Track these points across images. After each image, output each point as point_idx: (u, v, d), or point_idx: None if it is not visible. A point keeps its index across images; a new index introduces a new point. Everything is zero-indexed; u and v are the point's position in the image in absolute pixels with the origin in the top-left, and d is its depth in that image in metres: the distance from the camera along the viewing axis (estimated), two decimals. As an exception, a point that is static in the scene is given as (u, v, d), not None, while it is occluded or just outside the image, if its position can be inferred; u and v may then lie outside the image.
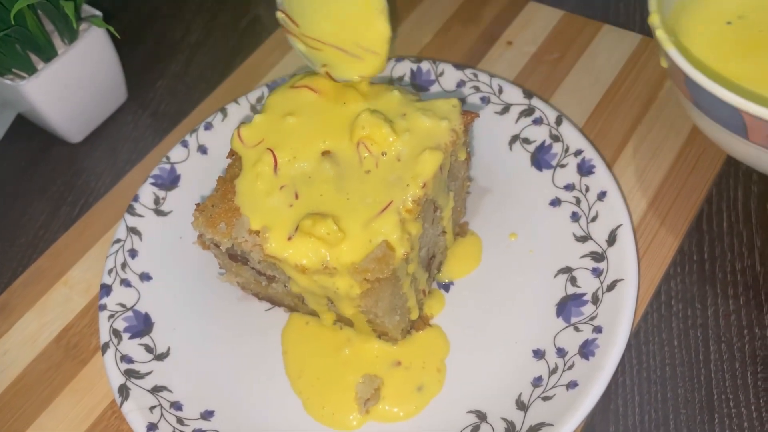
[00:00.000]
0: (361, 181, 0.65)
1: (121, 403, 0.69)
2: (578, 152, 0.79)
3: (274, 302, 0.77)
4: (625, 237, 0.72)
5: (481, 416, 0.67)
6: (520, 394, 0.68)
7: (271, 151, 0.67)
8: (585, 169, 0.78)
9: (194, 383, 0.72)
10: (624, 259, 0.71)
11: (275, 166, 0.67)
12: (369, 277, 0.61)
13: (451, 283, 0.77)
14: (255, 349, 0.75)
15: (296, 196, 0.65)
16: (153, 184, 0.84)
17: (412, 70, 0.90)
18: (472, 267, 0.78)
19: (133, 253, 0.80)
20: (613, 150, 0.84)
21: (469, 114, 0.69)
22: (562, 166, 0.80)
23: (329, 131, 0.69)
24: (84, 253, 0.86)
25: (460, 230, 0.79)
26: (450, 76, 0.89)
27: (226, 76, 1.03)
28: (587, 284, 0.72)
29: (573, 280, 0.73)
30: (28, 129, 1.03)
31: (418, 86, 0.90)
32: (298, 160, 0.67)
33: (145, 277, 0.79)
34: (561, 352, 0.69)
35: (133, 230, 0.81)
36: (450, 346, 0.73)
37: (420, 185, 0.64)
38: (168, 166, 0.86)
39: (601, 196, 0.76)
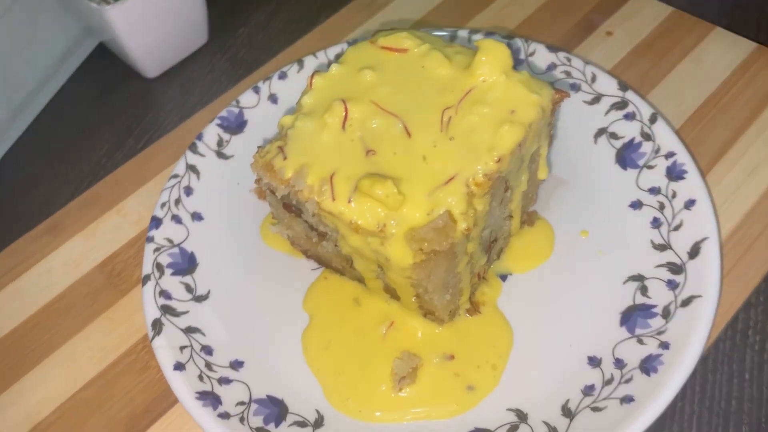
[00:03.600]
0: (434, 147, 0.61)
1: (153, 338, 0.67)
2: (670, 154, 0.73)
3: (322, 262, 0.74)
4: (710, 252, 0.66)
5: (522, 416, 0.63)
6: (567, 401, 0.62)
7: (344, 102, 0.64)
8: (675, 174, 0.72)
9: (229, 331, 0.70)
10: (705, 276, 0.64)
11: (344, 120, 0.63)
12: (425, 248, 0.57)
13: (509, 273, 0.72)
14: (295, 308, 0.72)
15: (366, 153, 0.61)
16: (219, 125, 0.82)
17: (502, 46, 0.84)
18: (536, 261, 0.72)
19: (188, 191, 0.78)
20: (708, 159, 0.78)
21: (560, 93, 0.64)
22: (650, 167, 0.74)
23: (408, 92, 0.64)
24: (142, 185, 0.85)
25: (528, 218, 0.74)
26: (541, 57, 0.83)
27: (309, 32, 1.00)
28: (660, 296, 0.66)
29: (644, 290, 0.67)
30: (107, 60, 1.03)
31: (507, 64, 0.84)
32: (369, 118, 0.63)
33: (196, 216, 0.77)
34: (619, 363, 0.63)
35: (192, 168, 0.79)
36: (514, 340, 0.68)
37: (495, 159, 0.60)
38: (236, 110, 0.83)
39: (689, 204, 0.69)
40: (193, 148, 0.80)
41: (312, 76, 0.67)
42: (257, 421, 0.63)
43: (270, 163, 0.63)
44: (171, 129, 0.92)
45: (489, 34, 0.86)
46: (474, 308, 0.69)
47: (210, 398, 0.63)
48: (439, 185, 0.59)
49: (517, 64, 0.84)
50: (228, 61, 1.04)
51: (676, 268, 0.67)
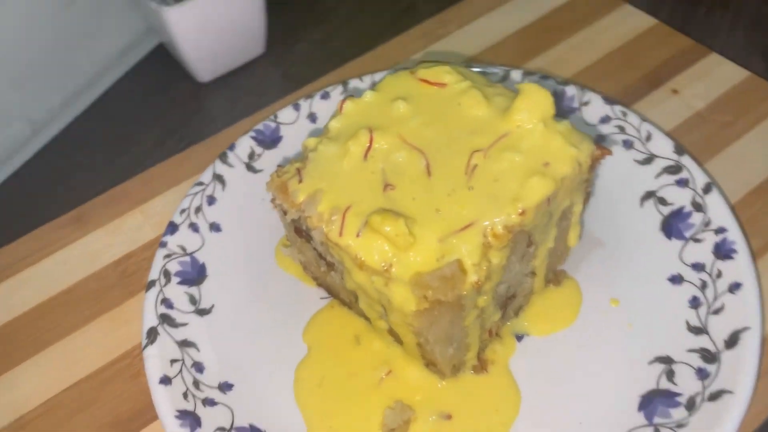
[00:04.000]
0: (455, 190, 0.57)
1: (145, 346, 0.65)
2: (720, 230, 0.67)
3: (331, 292, 0.71)
4: (750, 344, 0.59)
5: (514, 493, 0.57)
6: (565, 484, 0.57)
7: (370, 132, 0.61)
8: (723, 252, 0.66)
9: (224, 350, 0.67)
10: (741, 370, 0.58)
11: (368, 150, 0.60)
12: (429, 296, 0.53)
13: (526, 334, 0.67)
14: (296, 336, 0.69)
15: (384, 187, 0.58)
16: (253, 138, 0.81)
17: (555, 92, 0.80)
18: (558, 325, 0.67)
19: (211, 200, 0.76)
20: (764, 242, 0.71)
21: (601, 149, 0.59)
22: (697, 240, 0.68)
23: (439, 128, 0.61)
24: (170, 187, 0.84)
25: (555, 278, 0.69)
26: (595, 108, 0.78)
27: (363, 54, 0.98)
28: (687, 384, 0.60)
29: (670, 374, 0.61)
30: (165, 60, 1.04)
31: (558, 110, 0.80)
32: (394, 150, 0.60)
33: (215, 227, 0.75)
34: (630, 453, 0.57)
35: (218, 178, 0.77)
36: (520, 407, 0.63)
37: (518, 211, 0.55)
38: (273, 125, 0.82)
39: (734, 288, 0.63)
40: (223, 157, 0.79)
41: (343, 100, 0.64)
42: (233, 452, 0.60)
43: (285, 184, 0.60)
44: (212, 134, 0.91)
45: (543, 77, 0.82)
46: (481, 366, 0.64)
47: (190, 419, 0.60)
48: (453, 231, 0.55)
49: (570, 112, 0.80)
50: (281, 75, 1.04)
51: (709, 356, 0.60)
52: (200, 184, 0.76)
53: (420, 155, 0.60)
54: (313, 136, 0.64)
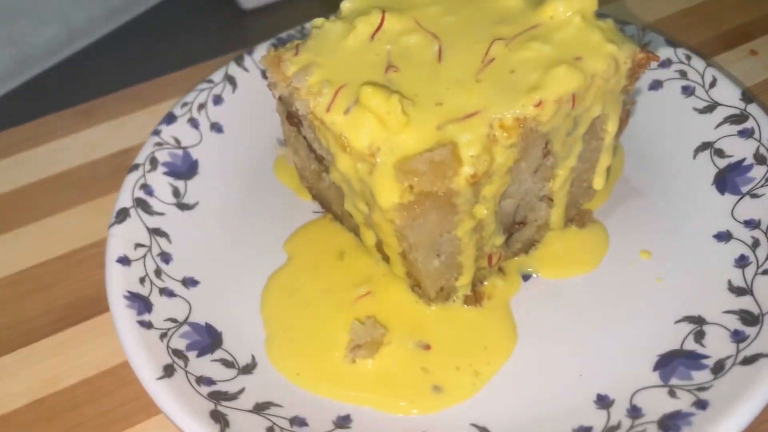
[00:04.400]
0: (465, 77, 0.49)
1: (113, 224, 0.59)
2: (785, 184, 0.56)
3: (324, 205, 0.63)
4: (803, 306, 0.48)
5: (487, 440, 0.48)
6: (554, 438, 0.47)
7: (383, 12, 0.54)
8: (785, 207, 0.55)
9: (199, 248, 0.61)
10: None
11: (377, 30, 0.53)
12: (415, 185, 0.45)
13: (535, 275, 0.58)
14: (278, 246, 0.62)
15: (386, 69, 0.51)
16: (274, 45, 0.75)
17: (612, 31, 0.71)
18: (573, 270, 0.58)
19: (217, 100, 0.71)
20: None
21: (646, 54, 0.50)
22: (755, 195, 0.57)
23: (461, 16, 0.54)
24: (184, 94, 0.79)
25: (579, 217, 0.60)
26: (655, 51, 0.69)
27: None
28: (718, 347, 0.50)
29: (699, 335, 0.51)
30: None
31: (612, 51, 0.71)
32: (405, 34, 0.53)
33: (216, 127, 0.70)
34: (634, 412, 0.47)
35: (230, 79, 0.72)
36: (513, 350, 0.54)
37: (534, 102, 0.47)
38: (299, 36, 0.76)
39: (793, 246, 0.52)
40: (239, 60, 0.73)
41: (361, -20, 0.57)
42: (179, 344, 0.53)
43: (279, 57, 0.54)
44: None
45: (602, 14, 0.72)
46: (476, 298, 0.56)
47: (139, 302, 0.54)
48: (455, 119, 0.47)
49: (625, 53, 0.70)
50: (326, 11, 0.98)
51: (750, 319, 0.50)
52: (209, 81, 0.71)
53: (434, 40, 0.52)
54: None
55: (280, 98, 0.56)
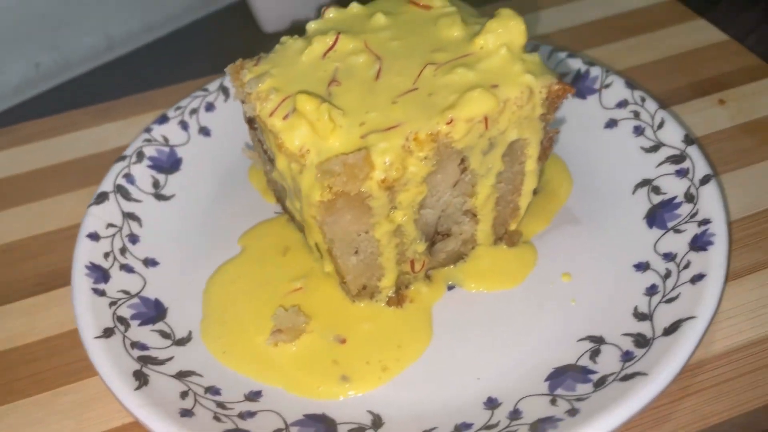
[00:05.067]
0: (396, 95, 0.55)
1: (91, 204, 0.67)
2: (705, 221, 0.58)
3: (282, 206, 0.69)
4: (688, 332, 0.51)
5: (377, 424, 0.52)
6: (433, 429, 0.51)
7: (338, 34, 0.60)
8: (700, 243, 0.57)
9: (165, 233, 0.68)
10: (666, 355, 0.49)
11: (329, 49, 0.59)
12: (332, 185, 0.51)
13: (458, 285, 0.62)
14: (235, 239, 0.68)
15: (329, 83, 0.57)
16: (271, 63, 0.82)
17: (579, 71, 0.75)
18: (494, 285, 0.61)
19: (209, 107, 0.78)
20: (754, 262, 0.61)
21: (563, 86, 0.55)
22: (678, 231, 0.60)
23: (405, 42, 0.59)
24: (191, 101, 0.87)
25: (509, 237, 0.63)
26: (616, 91, 0.72)
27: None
28: (606, 364, 0.53)
29: (594, 353, 0.54)
30: (243, 10, 1.08)
31: (577, 90, 0.75)
32: (354, 54, 0.59)
33: (204, 131, 0.77)
34: (515, 414, 0.50)
35: (223, 89, 0.79)
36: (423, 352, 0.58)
37: (446, 120, 0.52)
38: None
39: (697, 279, 0.54)
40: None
41: (327, 7, 0.64)
42: (125, 312, 0.59)
43: (241, 66, 0.61)
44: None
45: (571, 55, 0.77)
46: (398, 300, 0.60)
47: (98, 273, 0.61)
48: (378, 129, 0.52)
49: (589, 93, 0.74)
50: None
51: (642, 341, 0.52)
52: (205, 90, 0.79)
53: (376, 61, 0.58)
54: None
55: (242, 102, 0.62)
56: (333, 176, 0.51)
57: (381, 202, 0.53)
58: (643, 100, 0.70)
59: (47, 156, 0.82)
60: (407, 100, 0.54)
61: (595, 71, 0.74)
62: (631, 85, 0.72)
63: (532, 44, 0.79)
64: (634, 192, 0.65)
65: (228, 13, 1.14)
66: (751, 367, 0.54)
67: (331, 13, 0.64)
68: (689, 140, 0.65)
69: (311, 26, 0.63)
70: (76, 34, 1.04)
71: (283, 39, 0.63)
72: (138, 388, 0.52)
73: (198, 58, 1.05)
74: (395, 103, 0.54)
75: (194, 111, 0.77)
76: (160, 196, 0.71)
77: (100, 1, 1.03)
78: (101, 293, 0.60)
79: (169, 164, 0.73)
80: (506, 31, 0.56)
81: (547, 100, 0.54)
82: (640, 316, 0.55)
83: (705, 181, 0.61)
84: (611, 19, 0.92)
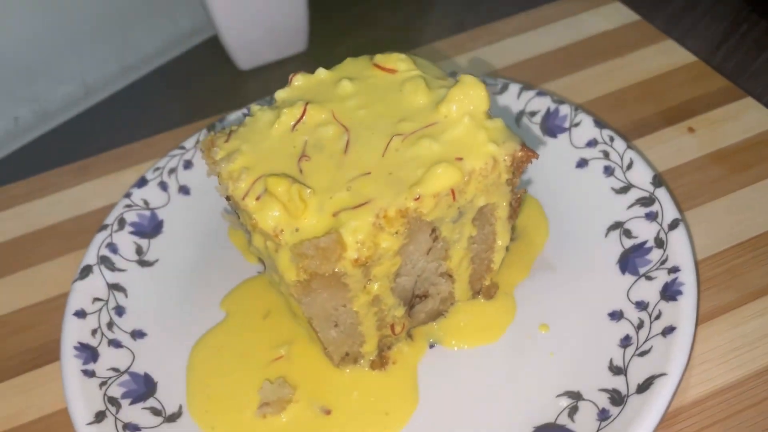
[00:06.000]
0: (364, 169, 0.56)
1: (76, 279, 0.68)
2: (674, 269, 0.60)
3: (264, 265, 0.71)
4: (660, 391, 0.52)
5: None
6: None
7: (305, 105, 0.61)
8: (670, 293, 0.59)
9: (152, 303, 0.69)
10: (640, 417, 0.51)
11: (298, 121, 0.60)
12: (306, 266, 0.52)
13: (439, 343, 0.63)
14: (216, 297, 0.69)
15: (299, 158, 0.58)
16: (245, 114, 0.83)
17: (548, 109, 0.76)
18: (475, 341, 0.63)
19: (187, 164, 0.79)
20: (726, 302, 0.62)
21: (525, 151, 0.56)
22: (649, 278, 0.61)
23: (372, 111, 0.60)
24: (170, 153, 0.88)
25: (486, 290, 0.65)
26: (585, 130, 0.74)
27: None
28: (583, 424, 0.54)
29: (573, 411, 0.56)
30: (218, 47, 1.09)
31: (547, 129, 0.76)
32: (322, 125, 0.60)
33: (184, 190, 0.78)
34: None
35: (201, 146, 0.80)
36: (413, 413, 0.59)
37: (413, 197, 0.53)
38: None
39: (668, 331, 0.56)
40: (210, 128, 0.82)
41: (294, 74, 0.65)
42: (116, 392, 0.61)
43: (212, 142, 0.61)
44: (238, 120, 0.94)
45: (540, 93, 0.78)
46: (381, 363, 0.61)
47: (87, 353, 0.62)
48: (348, 207, 0.54)
49: (559, 131, 0.75)
50: (314, 65, 1.06)
51: (617, 399, 0.54)
52: (182, 148, 0.80)
53: (344, 133, 0.59)
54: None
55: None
56: (306, 259, 0.52)
57: (356, 278, 0.54)
58: (611, 139, 0.71)
59: (28, 222, 0.83)
60: (375, 176, 0.55)
61: (564, 109, 0.76)
62: (599, 123, 0.73)
63: (502, 83, 0.80)
64: (606, 235, 0.67)
65: (203, 50, 1.14)
66: (725, 414, 0.56)
67: (299, 80, 0.65)
68: (657, 182, 0.66)
69: (280, 95, 0.64)
70: (52, 83, 1.04)
71: (253, 109, 0.64)
72: (132, 473, 0.54)
73: (177, 98, 1.06)
74: (363, 179, 0.55)
75: (173, 170, 0.78)
76: (143, 263, 0.72)
77: (74, 47, 1.03)
78: (91, 374, 0.61)
79: (150, 228, 0.74)
80: (468, 100, 0.57)
81: (512, 166, 0.55)
82: (615, 370, 0.56)
83: (673, 225, 0.63)
84: (575, 45, 0.92)
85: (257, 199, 0.56)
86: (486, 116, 0.57)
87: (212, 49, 1.11)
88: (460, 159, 0.54)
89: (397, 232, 0.53)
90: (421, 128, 0.57)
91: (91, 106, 1.08)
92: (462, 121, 0.56)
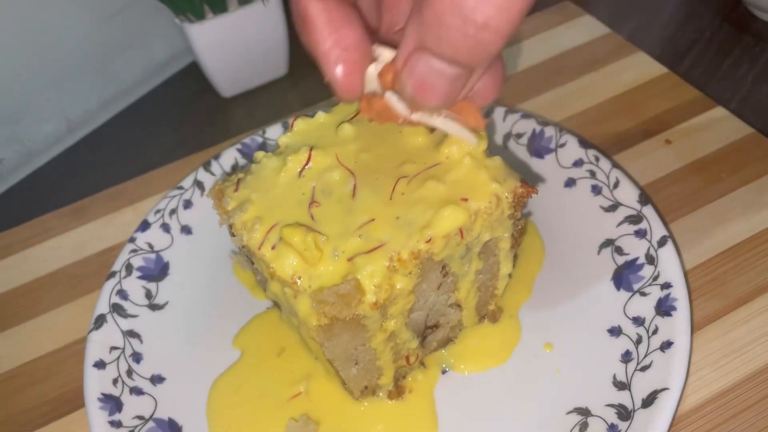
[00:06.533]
0: (374, 213, 0.58)
1: (90, 331, 0.69)
2: (666, 285, 0.64)
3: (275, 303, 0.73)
4: (665, 405, 0.56)
5: None
6: None
7: (310, 150, 0.63)
8: (664, 308, 0.63)
9: (167, 346, 0.71)
10: (653, 430, 0.55)
11: (304, 167, 0.63)
12: (327, 312, 0.54)
13: (450, 369, 0.66)
14: (228, 335, 0.71)
15: (309, 205, 0.60)
16: (239, 150, 0.85)
17: (534, 131, 0.80)
18: (484, 364, 0.66)
19: (187, 204, 0.81)
20: (715, 310, 0.67)
21: (526, 187, 0.59)
22: (643, 294, 0.65)
23: (375, 154, 0.63)
24: (165, 190, 0.89)
25: (491, 315, 0.68)
26: (570, 151, 0.77)
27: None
28: (595, 437, 0.58)
29: (583, 427, 0.59)
30: (198, 74, 1.10)
31: (534, 150, 0.79)
32: (328, 170, 0.62)
33: (186, 229, 0.79)
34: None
35: (198, 184, 0.82)
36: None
37: (425, 239, 0.56)
38: (260, 140, 0.86)
39: (666, 346, 0.60)
40: (206, 165, 0.83)
41: (295, 118, 0.67)
42: (143, 440, 0.63)
43: (222, 191, 0.63)
44: (227, 146, 0.96)
45: (525, 115, 0.81)
46: (398, 392, 0.64)
47: (111, 403, 0.64)
48: (362, 252, 0.56)
49: (546, 152, 0.79)
50: (299, 97, 1.08)
51: (624, 414, 0.58)
52: (180, 188, 0.81)
53: (350, 177, 0.61)
54: (261, 151, 0.67)
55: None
56: (327, 305, 0.54)
57: (374, 318, 0.57)
58: (597, 159, 0.75)
59: (29, 269, 0.84)
60: (385, 219, 0.58)
61: (549, 131, 0.79)
62: (584, 143, 0.77)
63: (487, 107, 0.83)
64: (599, 252, 0.71)
65: (183, 78, 1.15)
66: (723, 418, 0.60)
67: (299, 125, 0.67)
68: (644, 200, 0.70)
69: (282, 140, 0.66)
70: (35, 122, 1.04)
71: (257, 155, 0.66)
72: None
73: (162, 129, 1.07)
74: (374, 222, 0.58)
75: (173, 211, 0.80)
76: (154, 306, 0.74)
77: (55, 83, 1.04)
78: (118, 425, 0.63)
79: (157, 271, 0.76)
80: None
81: (514, 201, 0.58)
82: (619, 385, 0.60)
83: (662, 243, 0.67)
84: (550, 61, 0.96)
85: (273, 248, 0.58)
86: (484, 155, 0.60)
87: (192, 77, 1.12)
88: (466, 200, 0.57)
89: (410, 273, 0.56)
90: (425, 169, 0.60)
91: (75, 142, 1.08)
92: (463, 161, 0.59)
